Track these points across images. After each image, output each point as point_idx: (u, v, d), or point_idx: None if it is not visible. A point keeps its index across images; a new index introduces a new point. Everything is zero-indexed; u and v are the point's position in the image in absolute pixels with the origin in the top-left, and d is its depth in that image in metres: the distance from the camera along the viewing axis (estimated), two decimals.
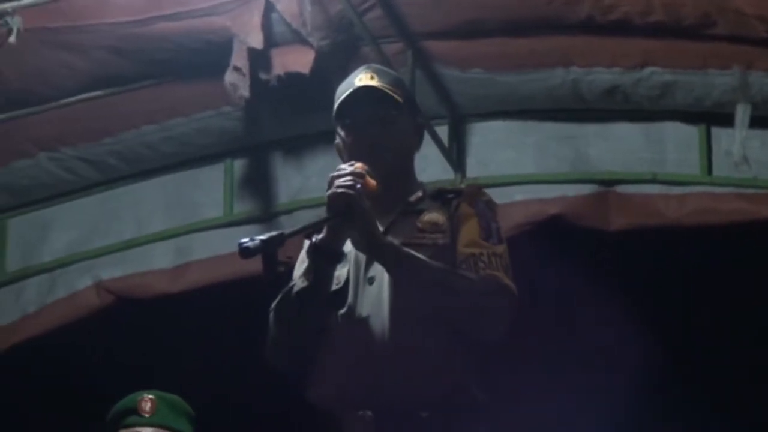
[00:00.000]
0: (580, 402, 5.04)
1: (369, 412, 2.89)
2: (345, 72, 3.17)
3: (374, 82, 3.03)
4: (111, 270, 5.26)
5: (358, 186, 2.87)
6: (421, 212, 3.02)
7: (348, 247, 3.00)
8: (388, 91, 3.01)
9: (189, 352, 5.36)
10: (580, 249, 4.92)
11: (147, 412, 3.50)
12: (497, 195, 4.76)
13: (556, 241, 4.87)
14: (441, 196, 3.06)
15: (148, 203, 5.29)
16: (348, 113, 3.03)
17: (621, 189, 4.88)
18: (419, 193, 3.07)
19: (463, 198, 3.04)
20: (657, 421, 5.21)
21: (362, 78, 3.05)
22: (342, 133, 3.05)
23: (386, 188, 2.95)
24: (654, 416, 5.20)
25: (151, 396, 3.53)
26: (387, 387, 2.89)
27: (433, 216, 3.01)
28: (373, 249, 2.91)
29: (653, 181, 4.86)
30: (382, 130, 3.01)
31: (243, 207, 5.21)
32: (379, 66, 3.16)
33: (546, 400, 5.10)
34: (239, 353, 5.29)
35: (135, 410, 3.51)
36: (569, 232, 4.85)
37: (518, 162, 4.99)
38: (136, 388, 3.61)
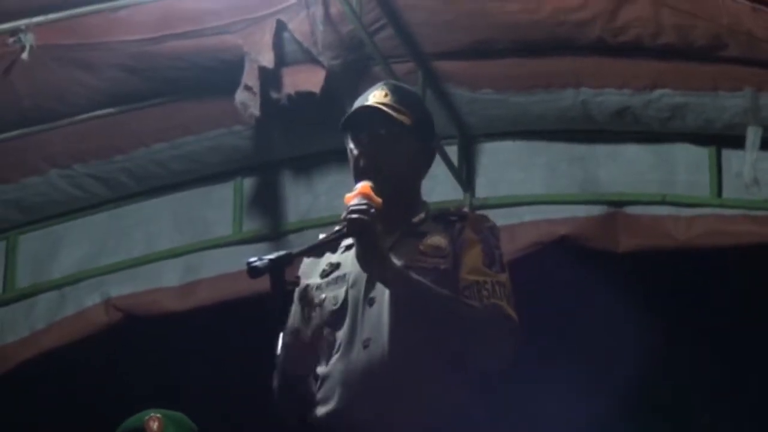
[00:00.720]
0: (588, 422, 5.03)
1: None
2: (356, 91, 3.17)
3: (387, 100, 3.02)
4: (120, 287, 5.26)
5: (372, 210, 2.87)
6: (423, 234, 3.00)
7: (346, 267, 3.01)
8: (391, 112, 3.01)
9: (197, 370, 5.36)
10: (589, 269, 4.91)
11: None
12: (506, 215, 4.85)
13: (565, 261, 4.86)
14: (444, 218, 3.05)
15: (157, 221, 5.30)
16: (354, 129, 3.03)
17: (630, 210, 4.88)
18: (422, 215, 3.05)
19: (468, 223, 3.02)
20: None
21: (376, 95, 3.04)
22: (349, 146, 3.06)
23: (388, 208, 2.93)
24: None
25: (158, 415, 3.53)
26: (387, 411, 2.88)
27: (436, 240, 2.99)
28: (382, 273, 2.89)
29: (663, 202, 4.86)
30: (384, 150, 3.00)
31: (252, 225, 5.21)
32: (398, 84, 3.15)
33: (555, 421, 5.09)
34: (247, 372, 5.29)
35: (142, 430, 3.51)
36: (578, 253, 4.84)
37: (528, 182, 4.99)
38: (143, 406, 3.61)
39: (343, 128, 3.04)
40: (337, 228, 2.96)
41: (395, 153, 3.01)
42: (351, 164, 3.05)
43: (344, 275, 3.00)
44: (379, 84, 3.10)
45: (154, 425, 3.50)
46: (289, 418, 3.03)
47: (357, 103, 3.06)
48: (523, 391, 5.11)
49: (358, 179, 2.97)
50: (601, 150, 4.93)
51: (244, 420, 5.35)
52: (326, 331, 3.00)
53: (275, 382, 3.03)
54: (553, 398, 5.18)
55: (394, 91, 3.07)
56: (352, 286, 2.98)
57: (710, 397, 5.22)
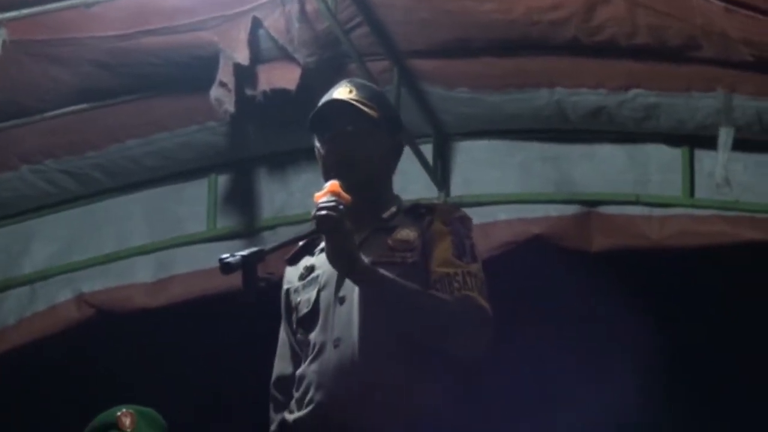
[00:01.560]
0: (566, 419, 5.05)
1: None
2: (331, 89, 3.17)
3: (352, 96, 3.02)
4: (92, 283, 5.25)
5: (341, 207, 2.87)
6: (393, 229, 3.00)
7: (319, 269, 3.00)
8: (359, 105, 3.00)
9: (169, 366, 5.34)
10: (562, 269, 4.93)
11: (127, 427, 3.50)
12: (481, 214, 4.86)
13: (539, 260, 4.88)
14: (414, 211, 3.04)
15: (130, 217, 5.28)
16: (319, 126, 3.03)
17: (604, 210, 4.90)
18: (393, 209, 3.05)
19: (437, 215, 3.01)
20: None
21: (341, 91, 3.04)
22: (317, 144, 3.06)
23: (359, 205, 2.93)
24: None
25: (130, 411, 3.52)
26: (359, 410, 2.88)
27: (404, 233, 2.99)
28: (351, 270, 2.89)
29: (636, 202, 4.87)
30: (352, 146, 3.00)
31: (226, 222, 5.20)
32: (360, 80, 3.15)
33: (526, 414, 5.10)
34: (219, 367, 5.28)
35: (114, 425, 3.50)
36: (552, 252, 4.86)
37: (502, 181, 5.00)
38: (115, 402, 3.60)
39: (310, 126, 3.03)
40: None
41: (364, 148, 3.01)
42: (320, 162, 3.04)
43: (317, 277, 3.01)
44: (342, 82, 3.09)
45: (127, 421, 3.49)
46: None
47: (321, 101, 3.05)
48: (497, 388, 5.13)
49: (327, 177, 2.97)
50: (576, 150, 4.95)
51: (216, 416, 5.35)
52: (300, 333, 3.00)
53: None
54: (527, 395, 5.19)
55: (358, 87, 3.07)
56: (324, 286, 2.99)
57: (681, 394, 5.24)
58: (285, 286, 3.09)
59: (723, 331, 5.23)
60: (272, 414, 3.06)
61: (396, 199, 3.09)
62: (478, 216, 4.76)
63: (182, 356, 5.34)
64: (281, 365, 3.08)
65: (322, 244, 3.02)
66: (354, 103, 3.00)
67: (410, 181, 4.90)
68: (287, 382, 3.03)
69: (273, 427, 3.05)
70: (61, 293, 5.28)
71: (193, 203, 5.23)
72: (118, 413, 3.51)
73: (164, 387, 4.80)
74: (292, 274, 3.09)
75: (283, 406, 3.03)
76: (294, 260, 3.11)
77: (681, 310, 5.16)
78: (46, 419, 5.41)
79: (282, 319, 3.09)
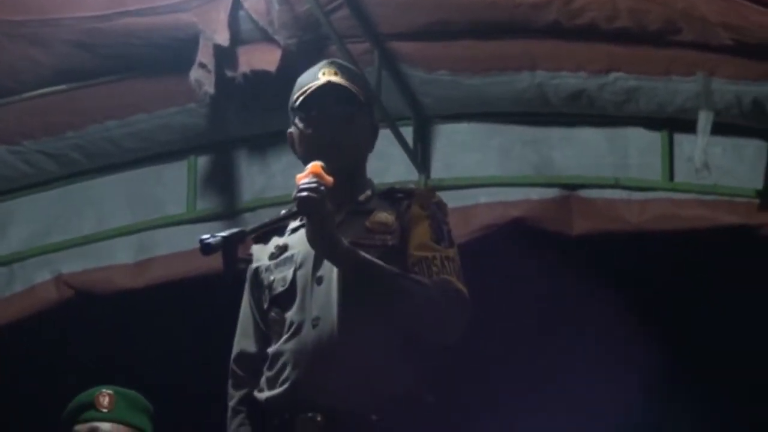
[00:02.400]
0: (545, 402, 5.07)
1: (318, 415, 2.88)
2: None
3: (338, 79, 3.01)
4: (71, 264, 5.23)
5: (322, 188, 2.87)
6: (370, 212, 3.00)
7: (294, 248, 3.00)
8: (353, 89, 3.01)
9: (149, 348, 5.34)
10: (543, 252, 4.94)
11: (105, 407, 3.49)
12: (462, 197, 4.87)
13: (520, 243, 4.88)
14: (390, 195, 3.05)
15: (110, 199, 5.26)
16: (310, 107, 3.01)
17: (584, 193, 4.90)
18: (368, 192, 3.05)
19: (415, 199, 3.02)
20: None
21: (326, 72, 3.03)
22: (300, 125, 3.04)
23: (337, 187, 2.93)
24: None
25: (109, 391, 3.52)
26: (336, 389, 2.88)
27: (382, 216, 2.99)
28: (331, 251, 2.89)
29: (616, 186, 4.88)
30: (343, 129, 2.99)
31: (206, 204, 5.19)
32: (341, 62, 3.14)
33: (512, 401, 5.12)
34: (199, 349, 5.27)
35: (92, 405, 3.50)
36: (532, 235, 4.87)
37: (483, 164, 4.99)
38: (94, 383, 3.60)
39: (298, 106, 3.02)
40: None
41: (352, 131, 3.00)
42: (299, 139, 3.03)
43: (292, 256, 3.00)
44: (323, 63, 3.08)
45: (104, 400, 3.49)
46: None
47: (306, 79, 3.04)
48: (476, 371, 5.15)
49: (310, 159, 2.95)
50: (556, 133, 4.95)
51: (198, 398, 5.34)
52: (275, 311, 3.00)
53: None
54: (505, 378, 5.21)
55: (343, 69, 3.06)
56: (300, 266, 2.98)
57: (659, 375, 5.27)
58: (254, 265, 3.07)
59: (701, 314, 5.26)
60: (231, 390, 3.05)
61: (370, 182, 3.10)
62: (458, 199, 4.82)
63: (162, 338, 5.33)
64: (244, 342, 3.07)
65: (293, 224, 3.03)
66: (348, 86, 3.00)
67: (391, 163, 4.90)
68: (250, 359, 3.03)
69: (232, 403, 3.04)
70: (39, 274, 5.26)
71: (172, 185, 5.21)
72: (97, 393, 3.51)
73: (144, 369, 4.80)
74: (260, 253, 3.08)
75: (245, 383, 3.02)
76: (261, 239, 3.10)
77: (660, 294, 5.18)
78: (24, 400, 5.40)
79: (245, 296, 3.08)
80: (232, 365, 3.08)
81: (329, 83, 3.00)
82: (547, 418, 5.05)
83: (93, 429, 3.49)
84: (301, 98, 3.01)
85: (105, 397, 3.50)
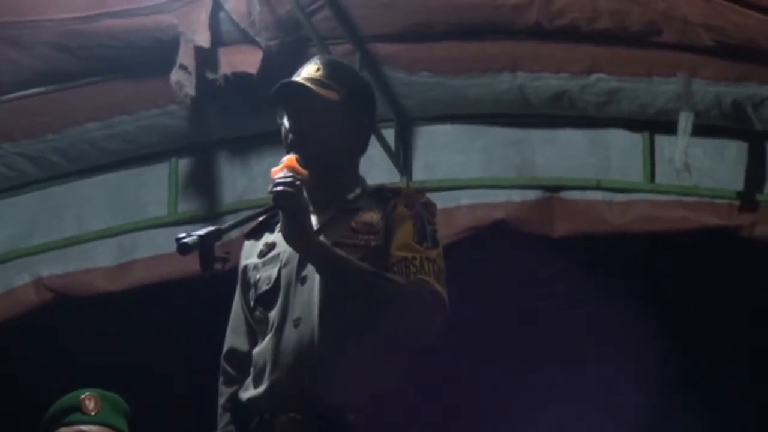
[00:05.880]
0: (532, 402, 5.08)
1: (298, 415, 2.88)
2: (293, 73, 3.15)
3: (317, 74, 3.01)
4: (51, 267, 5.20)
5: (298, 182, 2.87)
6: (357, 211, 3.00)
7: (280, 247, 3.00)
8: (313, 86, 2.98)
9: (130, 351, 5.32)
10: (525, 254, 4.94)
11: (91, 410, 3.49)
12: (444, 199, 4.85)
13: (502, 245, 4.89)
14: (379, 194, 3.05)
15: (90, 201, 5.24)
16: (282, 104, 3.03)
17: (565, 195, 4.90)
18: (358, 191, 3.05)
19: (401, 199, 3.01)
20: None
21: (308, 70, 3.04)
22: (281, 123, 3.06)
23: (321, 185, 2.95)
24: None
25: (94, 394, 3.51)
26: (316, 390, 2.88)
27: (368, 216, 2.99)
28: (305, 246, 2.89)
29: (597, 187, 4.88)
30: (307, 124, 2.99)
31: (187, 206, 5.18)
32: (331, 57, 3.16)
33: (492, 403, 5.13)
34: (180, 352, 5.26)
35: (78, 408, 3.49)
36: (514, 237, 4.87)
37: (465, 166, 4.99)
38: (75, 387, 3.58)
39: (274, 103, 3.03)
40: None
41: (320, 127, 3.00)
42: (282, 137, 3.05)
43: (278, 254, 3.01)
44: (313, 58, 3.10)
45: (91, 404, 3.49)
46: None
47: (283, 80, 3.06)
48: (458, 371, 5.15)
49: (287, 152, 2.97)
50: (538, 134, 4.95)
51: (177, 400, 5.33)
52: (259, 310, 2.99)
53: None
54: (487, 378, 5.22)
55: (327, 65, 3.06)
56: (285, 265, 2.98)
57: (643, 375, 5.28)
58: (243, 262, 3.08)
59: (682, 315, 5.27)
60: (222, 387, 3.06)
61: (361, 180, 3.09)
62: (440, 201, 4.73)
63: (142, 341, 5.31)
64: (234, 339, 3.07)
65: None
66: (308, 85, 2.99)
67: (372, 165, 4.86)
68: (240, 357, 3.03)
69: (222, 400, 3.04)
70: (18, 277, 5.23)
71: (154, 187, 5.20)
72: (82, 396, 3.51)
73: (124, 372, 4.78)
74: (250, 250, 3.08)
75: (235, 380, 3.03)
76: (252, 235, 3.10)
77: (641, 295, 5.19)
78: (3, 403, 5.37)
79: (237, 293, 3.08)
80: (223, 362, 3.08)
81: (292, 82, 3.01)
82: (533, 418, 5.05)
83: None
84: (270, 97, 3.03)
85: (91, 400, 3.50)
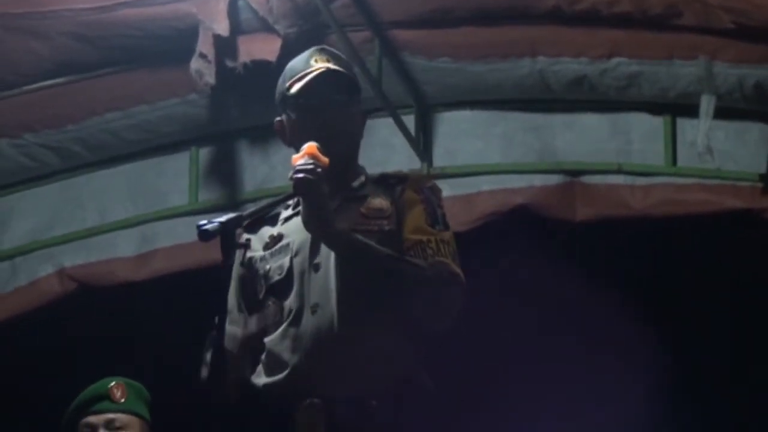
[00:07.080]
0: (548, 392, 5.07)
1: (318, 400, 2.88)
2: None
3: (334, 65, 3.02)
4: (74, 258, 5.22)
5: (319, 169, 2.87)
6: (364, 198, 3.02)
7: (289, 237, 2.99)
8: (350, 75, 3.02)
9: (152, 340, 5.33)
10: (546, 239, 4.93)
11: (119, 399, 3.53)
12: (464, 184, 4.86)
13: (523, 230, 4.88)
14: (384, 181, 3.06)
15: (111, 191, 5.25)
16: (310, 94, 3.01)
17: (587, 179, 4.89)
18: (362, 178, 3.06)
19: (408, 184, 3.03)
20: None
21: (318, 60, 3.03)
22: (293, 114, 3.03)
23: (331, 174, 2.94)
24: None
25: (121, 382, 3.55)
26: (336, 375, 2.89)
27: (377, 202, 3.01)
28: (327, 233, 2.90)
29: (619, 171, 4.86)
30: (342, 116, 3.00)
31: (208, 195, 5.18)
32: (331, 49, 3.15)
33: (513, 391, 5.12)
34: (202, 341, 5.26)
35: (107, 396, 3.53)
36: (536, 222, 4.86)
37: (485, 152, 4.98)
38: (97, 376, 3.60)
39: (294, 94, 3.01)
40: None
41: (350, 118, 3.02)
42: (293, 128, 3.01)
43: (288, 244, 3.01)
44: (312, 50, 3.09)
45: (118, 392, 3.53)
46: (216, 396, 3.01)
47: (299, 69, 3.04)
48: (478, 358, 5.14)
49: (291, 146, 2.99)
50: (558, 119, 4.93)
51: (199, 389, 5.34)
52: (272, 300, 2.99)
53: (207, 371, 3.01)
54: (507, 365, 5.21)
55: (333, 57, 3.07)
56: (297, 254, 2.99)
57: (666, 362, 5.27)
58: (247, 255, 3.07)
59: (704, 298, 5.25)
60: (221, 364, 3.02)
61: (362, 168, 3.10)
62: (461, 187, 4.81)
63: (165, 330, 5.32)
64: (233, 329, 3.06)
65: (285, 214, 3.03)
66: (346, 72, 3.00)
67: (393, 152, 4.90)
68: (241, 343, 3.03)
69: (204, 372, 3.03)
70: (42, 268, 5.25)
71: (174, 177, 5.20)
72: (110, 384, 3.55)
73: (146, 361, 4.80)
74: (253, 243, 3.08)
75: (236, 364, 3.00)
76: (252, 229, 3.09)
77: (664, 279, 5.17)
78: (28, 394, 5.40)
79: (231, 286, 3.07)
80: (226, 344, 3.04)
81: (328, 70, 3.00)
82: (550, 402, 5.05)
83: (109, 420, 3.52)
84: (298, 85, 3.01)
85: (119, 389, 3.55)
